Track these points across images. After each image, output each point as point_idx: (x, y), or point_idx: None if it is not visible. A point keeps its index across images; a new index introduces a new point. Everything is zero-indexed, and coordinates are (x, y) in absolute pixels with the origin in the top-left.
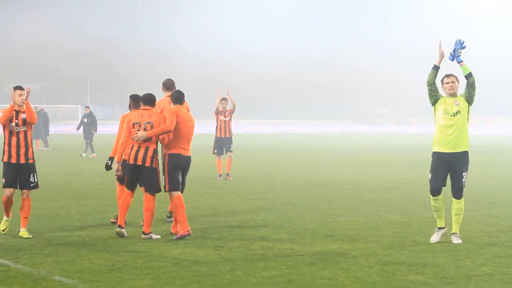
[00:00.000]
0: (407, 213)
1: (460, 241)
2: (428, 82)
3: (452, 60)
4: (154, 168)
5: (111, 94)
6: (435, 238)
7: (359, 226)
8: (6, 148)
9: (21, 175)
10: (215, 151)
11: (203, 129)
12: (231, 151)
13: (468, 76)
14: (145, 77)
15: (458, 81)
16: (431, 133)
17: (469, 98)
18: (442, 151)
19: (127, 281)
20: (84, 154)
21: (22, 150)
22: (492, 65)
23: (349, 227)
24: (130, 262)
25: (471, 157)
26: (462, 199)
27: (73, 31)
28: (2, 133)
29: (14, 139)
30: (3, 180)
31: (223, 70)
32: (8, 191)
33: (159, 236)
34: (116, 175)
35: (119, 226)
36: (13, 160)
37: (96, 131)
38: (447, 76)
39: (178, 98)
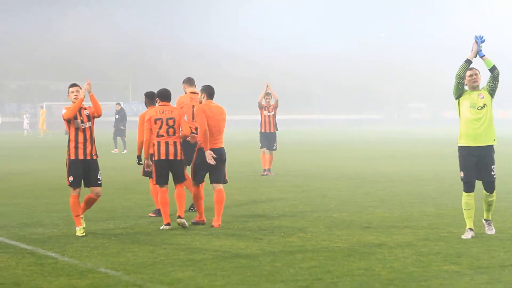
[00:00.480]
0: (441, 205)
1: (494, 231)
2: (458, 75)
3: (482, 55)
4: (181, 160)
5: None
6: (467, 235)
7: (395, 218)
8: (73, 145)
9: (89, 172)
10: (261, 144)
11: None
12: (275, 149)
13: (493, 69)
14: (182, 74)
15: (480, 74)
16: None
17: (493, 91)
18: (471, 145)
19: (170, 273)
20: (125, 151)
21: (89, 147)
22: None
23: (385, 219)
24: (172, 254)
25: (501, 148)
26: (495, 192)
27: (113, 30)
28: (67, 130)
29: (81, 136)
30: (71, 178)
31: (257, 67)
32: (76, 190)
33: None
34: (146, 170)
35: (179, 217)
36: (81, 157)
37: (124, 126)
38: (470, 69)
39: (210, 93)
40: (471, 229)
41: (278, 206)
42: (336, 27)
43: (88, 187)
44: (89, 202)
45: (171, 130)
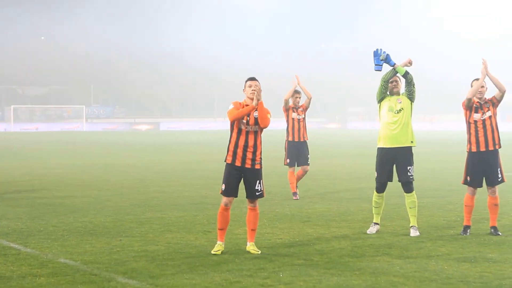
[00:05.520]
0: None
1: (418, 233)
2: (383, 79)
3: (380, 70)
4: None
5: (112, 94)
6: (372, 230)
7: (333, 213)
8: (232, 148)
9: (246, 181)
10: (288, 160)
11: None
12: (308, 164)
13: (405, 74)
14: (144, 78)
15: (401, 81)
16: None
17: (410, 95)
18: (387, 146)
19: (125, 263)
20: None
21: (250, 153)
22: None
23: (324, 213)
24: (127, 245)
25: (430, 149)
26: (413, 192)
27: (77, 35)
28: (230, 129)
29: (242, 139)
30: (223, 186)
31: (203, 73)
32: (227, 199)
33: None
34: None
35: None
36: (238, 163)
37: None
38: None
39: None
40: (376, 223)
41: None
42: (279, 37)
43: (246, 198)
44: (249, 217)
45: None
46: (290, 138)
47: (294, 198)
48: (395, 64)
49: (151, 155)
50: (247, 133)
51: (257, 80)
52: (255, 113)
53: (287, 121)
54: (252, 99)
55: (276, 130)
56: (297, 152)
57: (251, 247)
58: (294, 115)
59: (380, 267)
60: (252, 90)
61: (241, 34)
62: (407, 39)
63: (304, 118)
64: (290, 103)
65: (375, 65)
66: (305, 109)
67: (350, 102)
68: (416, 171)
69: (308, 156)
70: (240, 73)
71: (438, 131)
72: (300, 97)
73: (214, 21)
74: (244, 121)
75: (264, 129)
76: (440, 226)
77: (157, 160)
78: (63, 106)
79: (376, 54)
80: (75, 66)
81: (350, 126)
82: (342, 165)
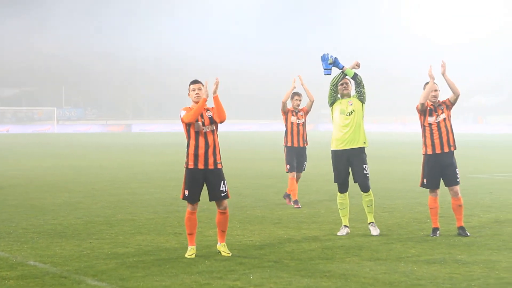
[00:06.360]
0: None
1: (378, 230)
2: (332, 82)
3: (330, 74)
4: None
5: (84, 96)
6: (343, 232)
7: (303, 215)
8: (192, 151)
9: (210, 183)
10: (288, 166)
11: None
12: (302, 171)
13: (354, 76)
14: (116, 80)
15: (351, 84)
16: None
17: (361, 97)
18: (340, 148)
19: (95, 265)
20: None
21: (211, 154)
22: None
23: (294, 215)
24: (97, 248)
25: (402, 151)
26: (370, 191)
27: (48, 37)
28: (186, 134)
29: (202, 141)
30: (186, 192)
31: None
32: (193, 206)
33: None
34: None
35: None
36: (201, 166)
37: None
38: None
39: None
40: (346, 226)
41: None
42: (252, 38)
43: (212, 201)
44: (219, 220)
45: None
46: (289, 144)
47: (295, 206)
48: (343, 67)
49: (123, 157)
50: (205, 134)
51: (200, 83)
52: (208, 113)
53: (286, 125)
54: (197, 102)
55: (242, 132)
56: (296, 158)
57: (222, 247)
58: (293, 119)
59: (350, 268)
60: (196, 93)
61: (216, 35)
62: (379, 42)
63: (304, 123)
64: (289, 106)
65: (324, 69)
66: (306, 112)
67: (323, 104)
68: (387, 173)
69: (305, 163)
70: (214, 75)
71: (409, 132)
72: (300, 100)
73: (188, 22)
74: (200, 122)
75: (219, 125)
76: (410, 227)
77: (128, 162)
78: (34, 108)
79: (324, 59)
80: (47, 67)
81: (322, 128)
82: (314, 167)
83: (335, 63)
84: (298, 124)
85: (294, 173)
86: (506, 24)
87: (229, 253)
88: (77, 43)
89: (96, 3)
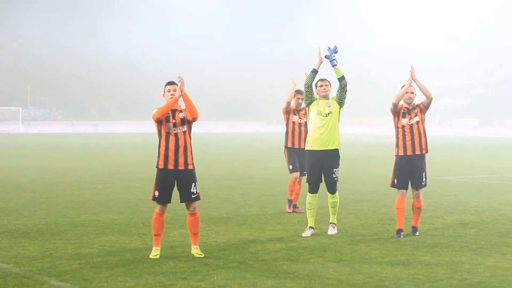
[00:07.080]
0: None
1: (336, 231)
2: (305, 84)
3: (336, 64)
4: None
5: (50, 96)
6: (307, 233)
7: (268, 216)
8: (163, 152)
9: (181, 184)
10: (290, 166)
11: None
12: (305, 174)
13: (341, 79)
14: (83, 80)
15: (330, 85)
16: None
17: (341, 101)
18: (314, 149)
19: (58, 266)
20: None
21: (182, 155)
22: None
23: (259, 216)
24: (61, 248)
25: (368, 153)
26: (337, 193)
27: (14, 36)
28: (158, 134)
29: (172, 142)
30: (156, 193)
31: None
32: (162, 207)
33: None
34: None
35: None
36: (171, 166)
37: None
38: (321, 79)
39: None
40: (311, 227)
41: None
42: (221, 39)
43: (183, 202)
44: (190, 221)
45: None
46: (290, 144)
47: (288, 210)
48: (335, 65)
49: (88, 157)
50: (176, 134)
51: (176, 84)
52: (181, 114)
53: (287, 124)
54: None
55: (210, 133)
56: (298, 159)
57: (195, 250)
58: (295, 118)
59: (315, 269)
60: (171, 94)
61: (184, 35)
62: (346, 44)
63: (306, 123)
64: (293, 105)
65: (331, 60)
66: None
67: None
68: (354, 175)
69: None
70: (182, 75)
71: (376, 134)
72: (302, 98)
73: (156, 22)
74: (171, 124)
75: (194, 123)
76: (375, 229)
77: (94, 162)
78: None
79: (329, 50)
80: (12, 66)
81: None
82: (278, 168)
83: (330, 59)
84: (300, 124)
85: (298, 173)
86: (471, 28)
87: (202, 255)
88: (44, 43)
89: (64, 3)
